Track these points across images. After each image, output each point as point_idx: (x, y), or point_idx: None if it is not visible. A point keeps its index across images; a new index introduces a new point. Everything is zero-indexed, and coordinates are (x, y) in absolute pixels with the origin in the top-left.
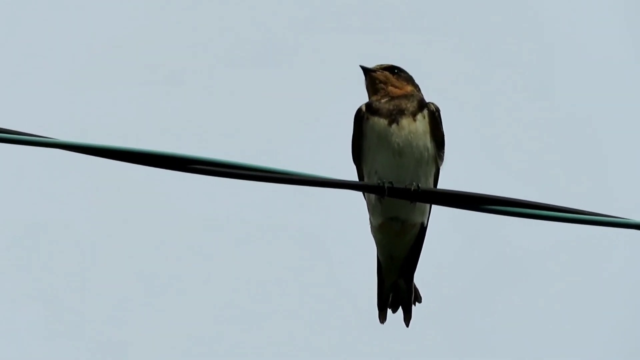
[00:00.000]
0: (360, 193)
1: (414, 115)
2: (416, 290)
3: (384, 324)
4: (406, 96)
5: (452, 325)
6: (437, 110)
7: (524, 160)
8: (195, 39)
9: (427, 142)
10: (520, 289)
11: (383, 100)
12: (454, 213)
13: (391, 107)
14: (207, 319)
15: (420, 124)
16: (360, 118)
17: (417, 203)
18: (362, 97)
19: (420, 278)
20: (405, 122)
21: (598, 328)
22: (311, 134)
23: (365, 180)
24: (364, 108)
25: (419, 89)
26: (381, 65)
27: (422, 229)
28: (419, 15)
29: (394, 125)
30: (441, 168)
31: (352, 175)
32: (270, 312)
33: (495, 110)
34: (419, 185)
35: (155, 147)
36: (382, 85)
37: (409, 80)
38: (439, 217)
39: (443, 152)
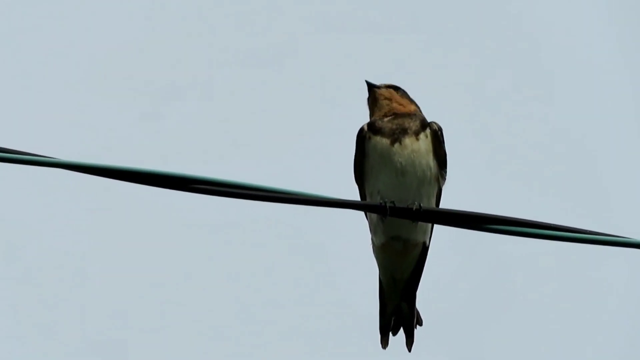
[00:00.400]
0: (362, 213)
1: (416, 134)
2: (417, 314)
3: (386, 349)
4: (409, 115)
5: (454, 348)
6: (440, 129)
7: (526, 179)
8: (196, 56)
9: (430, 161)
10: (523, 308)
11: (385, 119)
12: (454, 233)
13: (394, 127)
14: (209, 338)
15: (422, 143)
16: (362, 137)
17: (419, 222)
18: (364, 114)
19: (421, 299)
20: (408, 141)
21: (600, 346)
22: (313, 153)
23: (368, 200)
24: (365, 127)
25: (420, 109)
26: (385, 83)
27: (424, 249)
28: (423, 23)
29: (396, 145)
30: (443, 187)
31: (354, 195)
32: (269, 337)
33: (496, 129)
34: (421, 204)
35: (156, 166)
36: (386, 102)
37: (411, 100)
38: (440, 237)
39: (445, 172)
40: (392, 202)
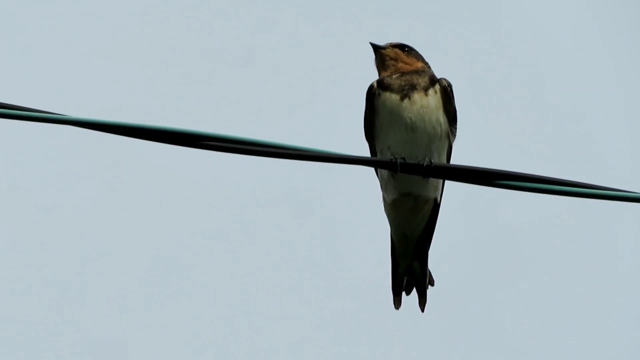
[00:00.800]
0: (373, 171)
1: (425, 90)
2: (429, 274)
3: (399, 309)
4: (417, 72)
5: (466, 308)
6: (449, 85)
7: (534, 135)
8: (206, 16)
9: (440, 117)
10: (535, 267)
11: (394, 76)
12: (465, 191)
13: (402, 83)
14: (220, 299)
15: (432, 99)
16: (372, 94)
17: (430, 179)
18: (373, 75)
19: (433, 260)
20: (417, 97)
21: (611, 304)
22: (323, 111)
23: (378, 157)
24: (375, 84)
25: (429, 66)
26: (391, 43)
27: (436, 206)
28: None
29: (405, 101)
30: (453, 144)
31: (364, 152)
32: (280, 297)
33: (505, 84)
34: (432, 160)
35: (167, 123)
36: (392, 62)
37: (419, 57)
38: (453, 196)
39: (455, 128)
40: (403, 158)
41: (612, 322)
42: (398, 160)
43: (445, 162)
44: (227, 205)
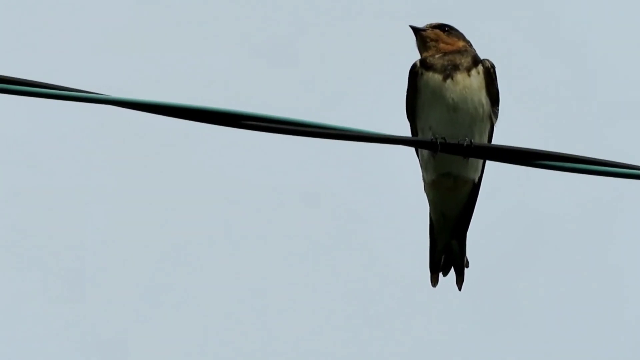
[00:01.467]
0: (413, 151)
1: (468, 70)
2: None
3: (436, 287)
4: (459, 52)
5: (502, 290)
6: (493, 66)
7: (574, 117)
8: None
9: (482, 97)
10: (570, 251)
11: (437, 56)
12: (505, 172)
13: (445, 63)
14: (252, 274)
15: (475, 80)
16: (415, 74)
17: (470, 159)
18: (414, 57)
19: (469, 241)
20: (459, 77)
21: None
22: (365, 92)
23: (419, 136)
24: (418, 64)
25: (471, 45)
26: (431, 24)
27: (475, 187)
28: None
29: (448, 81)
30: (495, 125)
31: (405, 132)
32: (318, 274)
33: (547, 69)
34: (472, 140)
35: (206, 103)
36: (433, 43)
37: (460, 36)
38: (492, 177)
39: (498, 109)
40: (443, 138)
41: None
42: (438, 140)
43: (486, 141)
44: (265, 187)
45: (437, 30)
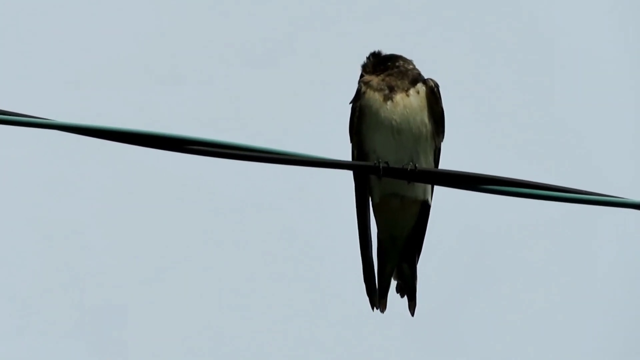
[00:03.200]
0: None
1: (406, 91)
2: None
3: (384, 313)
4: (401, 72)
5: (455, 312)
6: (436, 85)
7: (521, 140)
8: (194, 28)
9: (424, 117)
10: (524, 272)
11: (378, 77)
12: (456, 193)
13: (385, 84)
14: (191, 295)
15: (414, 99)
16: (357, 94)
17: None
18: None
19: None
20: (398, 98)
21: (596, 308)
22: (307, 115)
23: (362, 158)
24: (359, 87)
25: (414, 65)
26: (372, 56)
27: (425, 207)
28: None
29: (389, 102)
30: (441, 146)
31: (347, 154)
32: (265, 302)
33: (493, 89)
34: (416, 165)
35: (151, 128)
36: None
37: (405, 60)
38: (444, 199)
39: (443, 129)
40: (386, 162)
41: (599, 325)
42: (381, 165)
43: (432, 164)
44: (207, 210)
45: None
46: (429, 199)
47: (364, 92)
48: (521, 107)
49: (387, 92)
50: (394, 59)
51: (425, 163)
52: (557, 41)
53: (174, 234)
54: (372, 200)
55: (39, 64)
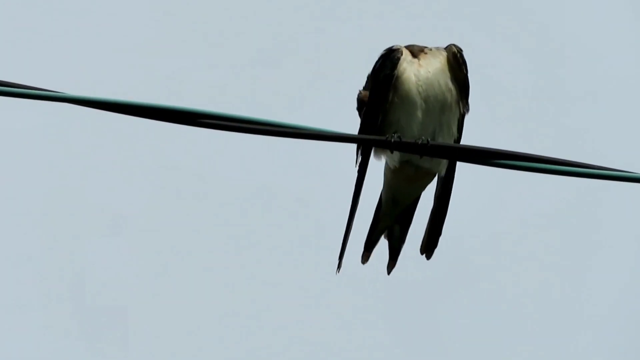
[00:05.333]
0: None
1: (434, 56)
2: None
3: (365, 264)
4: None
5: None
6: (460, 51)
7: (533, 116)
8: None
9: (448, 81)
10: (529, 248)
11: (406, 46)
12: (473, 170)
13: (414, 52)
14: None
15: (438, 63)
16: (383, 65)
17: None
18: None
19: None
20: (423, 61)
21: (609, 284)
22: (320, 89)
23: (386, 129)
24: (386, 55)
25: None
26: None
27: (440, 180)
28: None
29: (417, 68)
30: (466, 115)
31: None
32: (271, 264)
33: (507, 65)
34: (428, 139)
35: (164, 102)
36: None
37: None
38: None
39: (467, 96)
40: (399, 136)
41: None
42: (393, 139)
43: (455, 134)
44: (222, 184)
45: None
46: (444, 172)
47: (398, 61)
48: (532, 85)
49: (415, 60)
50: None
51: (448, 135)
52: (565, 24)
53: (181, 211)
54: (387, 164)
55: (46, 35)
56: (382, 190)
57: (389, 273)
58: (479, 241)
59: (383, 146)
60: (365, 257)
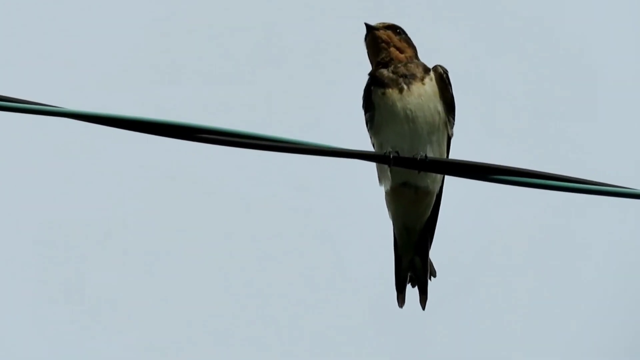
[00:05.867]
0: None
1: (422, 80)
2: (431, 265)
3: (403, 307)
4: (409, 62)
5: (469, 302)
6: (445, 72)
7: (529, 130)
8: (203, 16)
9: (437, 104)
10: (533, 263)
11: (388, 69)
12: (466, 184)
13: (398, 75)
14: (208, 296)
15: (429, 87)
16: (369, 91)
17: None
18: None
19: (436, 252)
20: (414, 87)
21: (606, 296)
22: (319, 103)
23: (377, 150)
24: (370, 81)
25: (417, 52)
26: (384, 23)
27: (437, 198)
28: None
29: (404, 92)
30: (452, 134)
31: (367, 144)
32: (278, 299)
33: (500, 79)
34: (426, 155)
35: (164, 117)
36: (384, 45)
37: (409, 42)
38: (453, 189)
39: (454, 117)
40: (397, 152)
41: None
42: (392, 154)
43: (445, 152)
44: (221, 202)
45: (390, 32)
46: (438, 190)
47: (377, 88)
48: (527, 100)
49: (401, 83)
50: (404, 34)
51: (438, 152)
52: (563, 32)
53: (187, 227)
54: (385, 190)
55: (48, 52)
56: (392, 225)
57: (423, 308)
58: (474, 256)
59: (382, 162)
60: (401, 299)
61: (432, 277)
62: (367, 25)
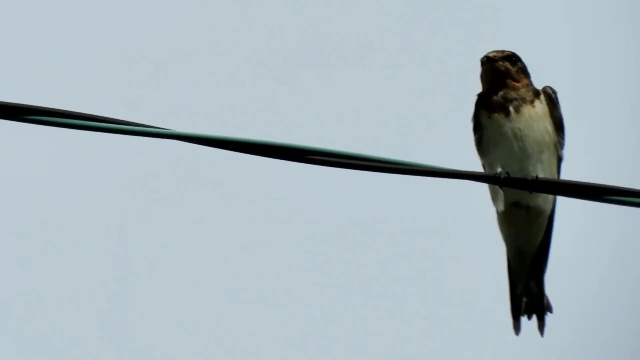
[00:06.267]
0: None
1: (531, 102)
2: (547, 300)
3: (519, 334)
4: (521, 88)
5: (587, 333)
6: (554, 92)
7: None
8: (309, 31)
9: (547, 125)
10: None
11: (499, 94)
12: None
13: (508, 99)
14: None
15: (539, 108)
16: (477, 112)
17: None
18: (475, 84)
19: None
20: (524, 109)
21: None
22: (431, 125)
23: (488, 170)
24: (478, 102)
25: (530, 78)
26: (502, 52)
27: (550, 220)
28: None
29: (512, 114)
30: (562, 157)
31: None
32: (389, 331)
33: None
34: (537, 175)
35: (268, 138)
36: (500, 76)
37: (525, 71)
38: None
39: (563, 137)
40: (507, 172)
41: None
42: (502, 175)
43: (555, 173)
44: (331, 225)
45: (508, 64)
46: (550, 211)
47: (485, 110)
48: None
49: (511, 106)
50: (521, 63)
51: (549, 173)
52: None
53: (291, 248)
54: (497, 211)
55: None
56: (506, 249)
57: (542, 335)
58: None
59: (493, 182)
60: (516, 326)
61: (548, 313)
62: (487, 58)
